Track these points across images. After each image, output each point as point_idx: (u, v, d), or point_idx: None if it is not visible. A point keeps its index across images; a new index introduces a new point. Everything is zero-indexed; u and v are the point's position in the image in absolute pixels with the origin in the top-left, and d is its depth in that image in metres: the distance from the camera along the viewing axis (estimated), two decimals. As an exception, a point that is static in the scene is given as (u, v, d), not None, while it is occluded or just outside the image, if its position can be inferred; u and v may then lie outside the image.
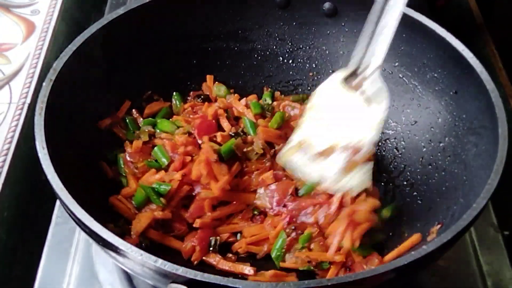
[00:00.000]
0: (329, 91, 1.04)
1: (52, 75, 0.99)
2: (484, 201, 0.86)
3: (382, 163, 1.18)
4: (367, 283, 0.78)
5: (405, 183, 1.13)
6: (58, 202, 1.18)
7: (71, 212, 0.84)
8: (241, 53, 1.28)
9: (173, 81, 1.25)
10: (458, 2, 1.56)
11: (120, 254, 0.80)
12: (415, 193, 1.11)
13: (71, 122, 1.03)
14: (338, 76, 1.04)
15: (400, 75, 1.18)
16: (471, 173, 0.99)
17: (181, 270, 0.76)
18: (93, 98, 1.11)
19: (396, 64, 1.18)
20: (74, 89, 1.04)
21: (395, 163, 1.17)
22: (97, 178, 1.06)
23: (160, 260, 0.77)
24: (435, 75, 1.12)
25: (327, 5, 1.21)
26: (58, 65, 1.00)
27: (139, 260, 0.78)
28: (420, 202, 1.09)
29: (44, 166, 0.88)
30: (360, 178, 1.00)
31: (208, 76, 1.26)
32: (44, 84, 0.97)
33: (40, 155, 0.89)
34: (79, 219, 0.83)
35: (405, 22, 1.11)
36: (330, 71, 1.27)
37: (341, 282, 0.76)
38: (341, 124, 1.02)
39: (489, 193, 0.87)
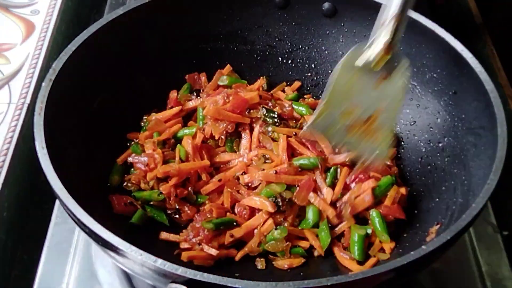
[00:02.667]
0: (345, 72, 1.00)
1: (51, 75, 0.99)
2: (483, 201, 0.86)
3: (381, 163, 1.18)
4: (366, 282, 0.78)
5: (404, 183, 1.13)
6: (57, 202, 1.18)
7: (71, 212, 0.84)
8: (240, 53, 1.28)
9: (172, 81, 1.25)
10: (457, 2, 1.56)
11: (120, 254, 0.80)
12: (414, 193, 1.11)
13: (71, 122, 1.03)
14: (354, 54, 1.00)
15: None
16: (470, 173, 0.99)
17: (180, 270, 0.76)
18: (92, 98, 1.11)
19: (395, 64, 1.18)
20: (74, 89, 1.04)
21: (395, 163, 1.18)
22: (96, 178, 1.06)
23: (160, 260, 0.77)
24: (434, 75, 1.12)
25: (326, 5, 1.21)
26: (57, 65, 1.00)
27: (138, 260, 0.78)
28: (419, 202, 1.09)
29: (43, 166, 0.88)
30: (379, 147, 1.01)
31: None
32: (43, 84, 0.97)
33: (39, 155, 0.89)
34: (78, 219, 0.83)
35: None
36: (329, 72, 1.27)
37: (341, 282, 0.77)
38: (361, 101, 1.01)
39: (488, 193, 0.87)
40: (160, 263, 0.77)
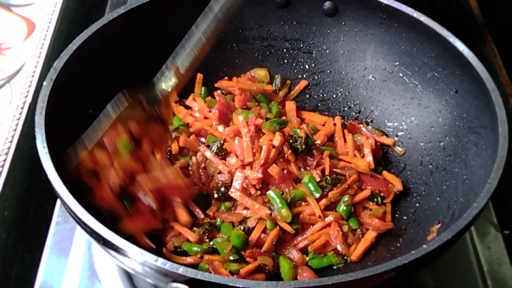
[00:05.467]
0: None
1: (52, 74, 0.98)
2: (484, 200, 0.86)
3: (382, 163, 1.19)
4: (367, 282, 0.78)
5: (405, 182, 1.13)
6: (58, 202, 1.19)
7: (72, 211, 0.84)
8: (241, 52, 1.28)
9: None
10: (458, 2, 1.56)
11: (121, 253, 0.80)
12: (415, 193, 1.11)
13: (72, 121, 1.03)
14: None
15: (401, 74, 1.18)
16: (471, 172, 0.99)
17: (181, 270, 0.76)
18: (94, 97, 1.10)
19: (396, 63, 1.18)
20: (75, 88, 1.04)
21: (395, 163, 1.18)
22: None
23: (161, 259, 0.77)
24: (436, 74, 1.12)
25: (327, 4, 1.21)
26: (59, 64, 1.00)
27: (139, 259, 0.78)
28: (420, 201, 1.09)
29: (44, 166, 0.87)
30: None
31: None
32: (44, 83, 0.97)
33: (40, 154, 0.88)
34: (79, 218, 0.83)
35: (406, 20, 1.11)
36: (329, 71, 1.27)
37: (341, 281, 0.77)
38: None
39: (489, 192, 0.87)
40: (161, 262, 0.77)
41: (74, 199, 0.84)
